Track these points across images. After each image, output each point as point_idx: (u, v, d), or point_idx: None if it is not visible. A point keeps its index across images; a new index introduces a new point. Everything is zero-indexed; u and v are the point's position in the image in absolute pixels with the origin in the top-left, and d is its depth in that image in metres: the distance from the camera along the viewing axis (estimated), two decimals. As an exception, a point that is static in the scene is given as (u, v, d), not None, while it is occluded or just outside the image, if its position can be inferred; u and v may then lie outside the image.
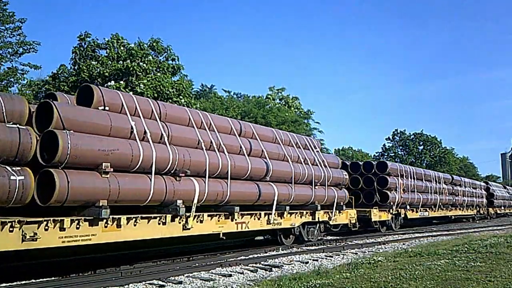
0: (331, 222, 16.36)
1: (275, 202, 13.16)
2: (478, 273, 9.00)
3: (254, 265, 11.07)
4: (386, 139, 70.16)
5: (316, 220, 15.42)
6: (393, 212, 22.11)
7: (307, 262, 11.78)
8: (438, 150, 67.78)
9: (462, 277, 8.69)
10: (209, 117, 12.10)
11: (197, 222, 10.77)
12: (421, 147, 68.16)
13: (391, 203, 21.69)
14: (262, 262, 11.42)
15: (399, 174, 23.11)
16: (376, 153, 70.17)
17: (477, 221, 35.22)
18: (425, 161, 65.60)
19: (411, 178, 24.50)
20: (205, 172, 10.80)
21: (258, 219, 12.87)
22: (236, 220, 12.00)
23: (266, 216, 13.12)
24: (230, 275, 9.69)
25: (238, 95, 46.77)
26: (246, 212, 12.39)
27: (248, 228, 12.48)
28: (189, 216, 10.37)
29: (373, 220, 20.23)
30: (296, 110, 45.34)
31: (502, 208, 44.83)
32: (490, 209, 40.32)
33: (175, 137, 10.48)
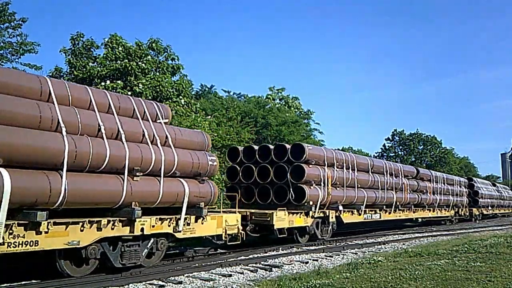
0: (179, 236, 10.45)
1: (5, 204, 7.10)
2: (478, 273, 9.02)
3: (254, 265, 11.08)
4: (385, 139, 70.30)
5: (139, 233, 9.43)
6: (316, 215, 15.82)
7: (307, 262, 11.79)
8: (438, 150, 67.85)
9: (462, 277, 8.71)
10: None
11: None
12: (421, 147, 68.23)
13: (310, 203, 15.46)
14: (262, 262, 11.43)
15: (326, 162, 16.64)
16: (376, 153, 70.19)
17: (457, 224, 30.36)
18: (425, 161, 65.61)
19: (347, 168, 17.94)
20: None
21: None
22: None
23: None
24: (230, 275, 9.71)
25: (238, 95, 46.65)
26: None
27: None
28: None
29: (276, 227, 14.09)
30: (296, 110, 45.33)
31: (490, 208, 38.85)
32: (474, 209, 34.57)
33: None
